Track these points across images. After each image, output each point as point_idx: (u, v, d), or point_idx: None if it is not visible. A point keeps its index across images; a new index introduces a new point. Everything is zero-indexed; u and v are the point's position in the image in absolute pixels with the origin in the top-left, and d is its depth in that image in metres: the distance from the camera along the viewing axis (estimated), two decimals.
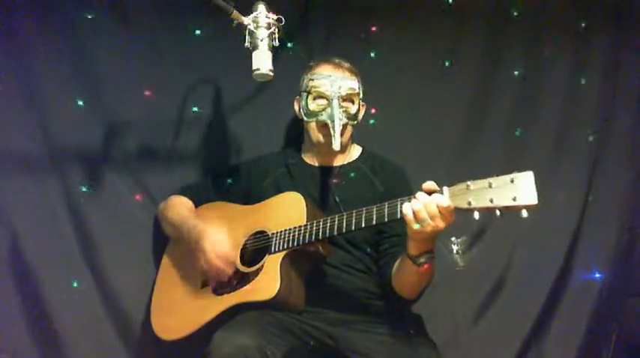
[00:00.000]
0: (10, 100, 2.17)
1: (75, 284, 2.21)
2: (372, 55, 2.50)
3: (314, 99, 2.08)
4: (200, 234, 1.96)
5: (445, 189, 1.61)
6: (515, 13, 2.57)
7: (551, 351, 2.48)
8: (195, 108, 2.36)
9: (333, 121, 2.00)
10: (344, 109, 2.05)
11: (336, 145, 1.98)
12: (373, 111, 2.41)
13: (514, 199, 1.46)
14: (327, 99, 2.05)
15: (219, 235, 1.96)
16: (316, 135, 2.11)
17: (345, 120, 2.04)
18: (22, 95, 2.18)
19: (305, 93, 2.09)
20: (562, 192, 2.53)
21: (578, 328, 2.52)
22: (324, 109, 2.05)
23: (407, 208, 1.63)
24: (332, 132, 2.00)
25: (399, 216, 1.67)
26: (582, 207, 2.55)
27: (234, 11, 1.74)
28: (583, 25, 2.61)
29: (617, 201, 2.59)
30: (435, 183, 1.63)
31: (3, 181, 2.15)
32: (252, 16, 1.77)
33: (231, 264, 1.94)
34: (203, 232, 1.96)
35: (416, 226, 1.62)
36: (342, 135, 2.03)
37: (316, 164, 2.17)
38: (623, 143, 2.61)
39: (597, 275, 2.54)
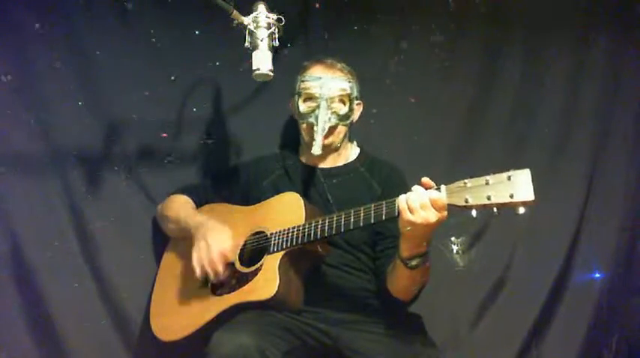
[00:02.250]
0: (11, 100, 2.17)
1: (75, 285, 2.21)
2: (372, 55, 2.50)
3: (304, 101, 2.08)
4: (206, 230, 1.96)
5: (443, 187, 1.61)
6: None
7: (551, 351, 2.47)
8: (195, 108, 2.36)
9: (317, 124, 2.00)
10: (333, 111, 2.04)
11: (316, 149, 1.98)
12: (374, 111, 2.41)
13: (511, 196, 1.46)
14: (316, 101, 2.05)
15: (222, 235, 1.95)
16: (306, 137, 2.12)
17: (334, 122, 2.04)
18: (23, 95, 2.19)
19: (297, 95, 2.10)
20: (562, 192, 2.52)
21: (579, 328, 2.51)
22: (312, 111, 2.04)
23: (402, 199, 1.64)
24: (314, 135, 2.00)
25: (396, 214, 1.67)
26: (582, 207, 2.54)
27: (234, 11, 1.75)
28: (583, 25, 2.60)
29: (617, 201, 2.58)
30: (431, 181, 1.64)
31: (3, 181, 2.16)
32: (252, 16, 1.78)
33: (226, 264, 1.93)
34: (209, 230, 1.95)
35: (408, 215, 1.62)
36: (330, 136, 2.04)
37: (313, 165, 2.17)
38: (623, 143, 2.60)
39: (597, 275, 2.54)
